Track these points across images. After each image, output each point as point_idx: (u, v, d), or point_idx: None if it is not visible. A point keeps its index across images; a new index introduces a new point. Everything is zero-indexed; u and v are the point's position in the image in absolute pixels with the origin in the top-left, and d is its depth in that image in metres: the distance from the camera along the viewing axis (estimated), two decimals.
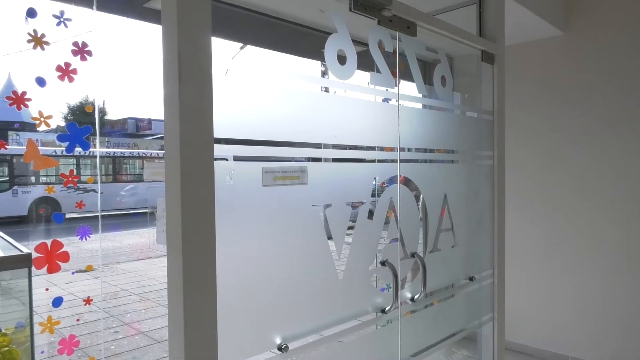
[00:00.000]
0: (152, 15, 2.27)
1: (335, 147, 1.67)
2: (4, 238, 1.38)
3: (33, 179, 13.26)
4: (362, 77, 1.77)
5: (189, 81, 1.11)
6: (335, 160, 1.67)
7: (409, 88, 2.00)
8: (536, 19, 3.24)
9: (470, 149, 2.48)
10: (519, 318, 3.77)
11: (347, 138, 1.70)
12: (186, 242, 1.12)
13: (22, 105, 1.54)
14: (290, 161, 1.48)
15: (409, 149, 1.99)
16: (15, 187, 12.63)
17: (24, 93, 1.53)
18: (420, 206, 2.07)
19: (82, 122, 1.64)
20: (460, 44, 2.32)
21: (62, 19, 1.61)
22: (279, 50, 2.85)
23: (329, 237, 1.58)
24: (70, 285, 5.23)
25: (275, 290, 1.42)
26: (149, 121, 19.41)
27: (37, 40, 1.54)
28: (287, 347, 1.41)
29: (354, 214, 1.71)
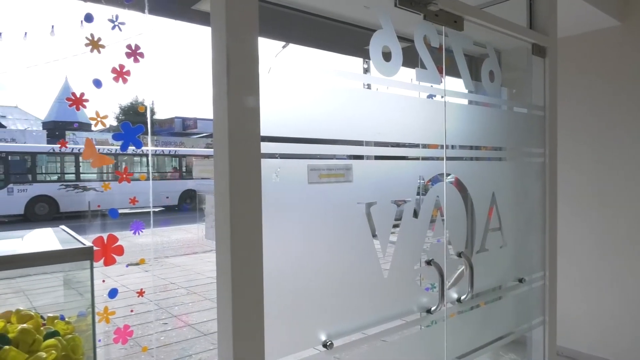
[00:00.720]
0: (199, 17, 2.33)
1: (377, 144, 1.65)
2: (67, 231, 1.47)
3: (31, 176, 13.36)
4: (406, 73, 1.75)
5: (237, 81, 1.13)
6: (376, 157, 1.66)
7: (454, 84, 1.95)
8: (590, 9, 3.08)
9: (519, 146, 2.39)
10: (572, 322, 3.61)
11: (391, 135, 1.68)
12: (234, 238, 1.14)
13: (80, 106, 1.62)
14: (331, 159, 1.48)
15: (452, 147, 1.95)
16: (10, 186, 12.47)
17: (82, 94, 1.62)
18: (467, 205, 2.02)
19: (133, 121, 1.71)
20: (508, 37, 2.25)
21: (116, 23, 1.68)
22: (321, 48, 2.85)
23: (374, 235, 1.57)
24: (122, 277, 5.48)
25: (320, 287, 1.42)
26: (195, 120, 20.02)
27: (94, 44, 1.62)
28: (332, 343, 1.42)
29: (398, 212, 1.69)
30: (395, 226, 1.67)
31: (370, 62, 1.59)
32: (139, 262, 2.13)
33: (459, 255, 1.96)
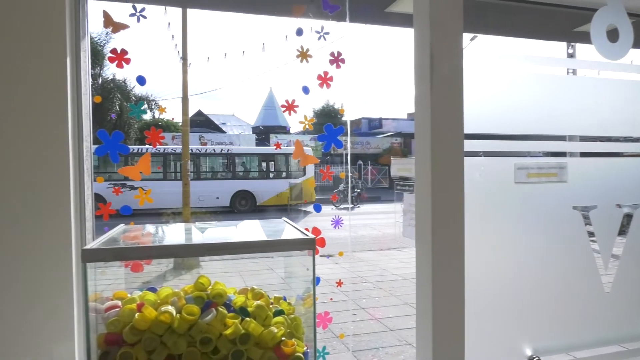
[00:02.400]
0: (392, 19, 2.37)
1: (583, 139, 1.44)
2: (289, 222, 1.68)
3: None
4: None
5: (441, 78, 1.12)
6: (582, 154, 1.45)
7: None
8: None
9: None
10: None
11: (618, 128, 1.44)
12: (436, 238, 1.13)
13: (292, 111, 1.81)
14: (524, 156, 1.35)
15: None
16: None
17: (293, 101, 1.80)
18: None
19: (325, 123, 1.84)
20: None
21: (321, 34, 1.83)
22: (517, 35, 2.61)
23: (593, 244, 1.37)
24: (312, 267, 5.94)
25: (526, 296, 1.31)
26: (380, 120, 20.60)
27: (303, 55, 1.80)
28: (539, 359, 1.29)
29: (625, 218, 1.44)
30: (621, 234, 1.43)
31: (576, 45, 1.39)
32: (338, 254, 2.31)
33: None
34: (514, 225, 1.28)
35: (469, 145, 1.21)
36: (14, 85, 1.28)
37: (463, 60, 1.16)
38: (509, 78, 1.32)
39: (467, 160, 1.18)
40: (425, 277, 1.16)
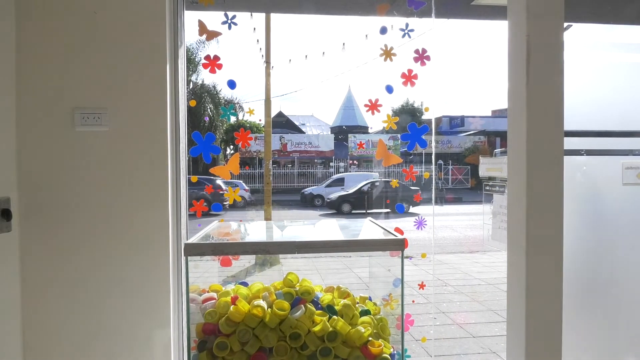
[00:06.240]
0: (479, 12, 2.27)
1: None
2: (375, 222, 1.68)
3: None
4: None
5: (539, 71, 1.05)
6: None
7: None
8: None
9: None
10: None
11: None
12: (530, 242, 1.07)
13: (374, 111, 1.81)
14: (633, 154, 1.22)
15: None
16: None
17: (377, 100, 1.80)
18: None
19: (405, 122, 1.81)
20: None
21: (406, 31, 1.81)
22: (621, 23, 2.37)
23: None
24: (394, 268, 5.83)
25: (633, 307, 1.19)
26: (462, 118, 19.80)
27: (387, 53, 1.78)
28: None
29: None
30: None
31: None
32: (421, 256, 2.26)
33: None
34: (623, 230, 1.17)
35: (570, 143, 1.12)
36: (120, 91, 1.41)
37: (564, 51, 1.08)
38: (613, 69, 1.21)
39: (567, 160, 1.10)
40: (518, 284, 1.09)
